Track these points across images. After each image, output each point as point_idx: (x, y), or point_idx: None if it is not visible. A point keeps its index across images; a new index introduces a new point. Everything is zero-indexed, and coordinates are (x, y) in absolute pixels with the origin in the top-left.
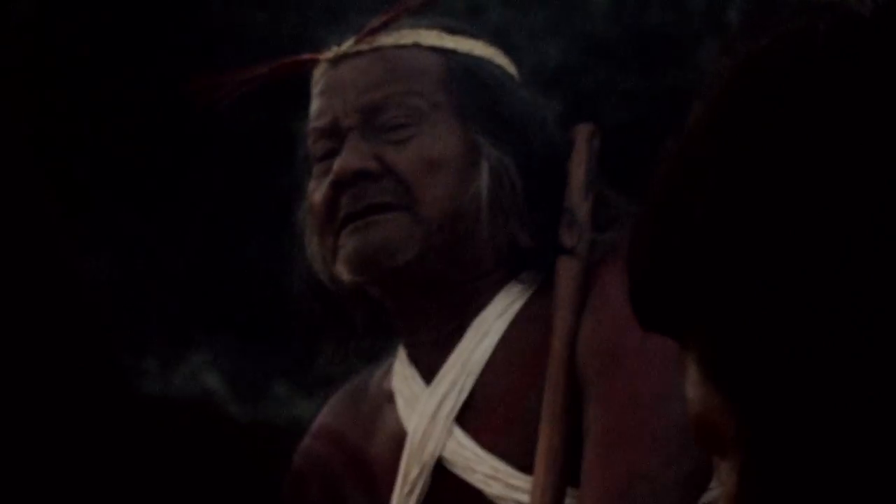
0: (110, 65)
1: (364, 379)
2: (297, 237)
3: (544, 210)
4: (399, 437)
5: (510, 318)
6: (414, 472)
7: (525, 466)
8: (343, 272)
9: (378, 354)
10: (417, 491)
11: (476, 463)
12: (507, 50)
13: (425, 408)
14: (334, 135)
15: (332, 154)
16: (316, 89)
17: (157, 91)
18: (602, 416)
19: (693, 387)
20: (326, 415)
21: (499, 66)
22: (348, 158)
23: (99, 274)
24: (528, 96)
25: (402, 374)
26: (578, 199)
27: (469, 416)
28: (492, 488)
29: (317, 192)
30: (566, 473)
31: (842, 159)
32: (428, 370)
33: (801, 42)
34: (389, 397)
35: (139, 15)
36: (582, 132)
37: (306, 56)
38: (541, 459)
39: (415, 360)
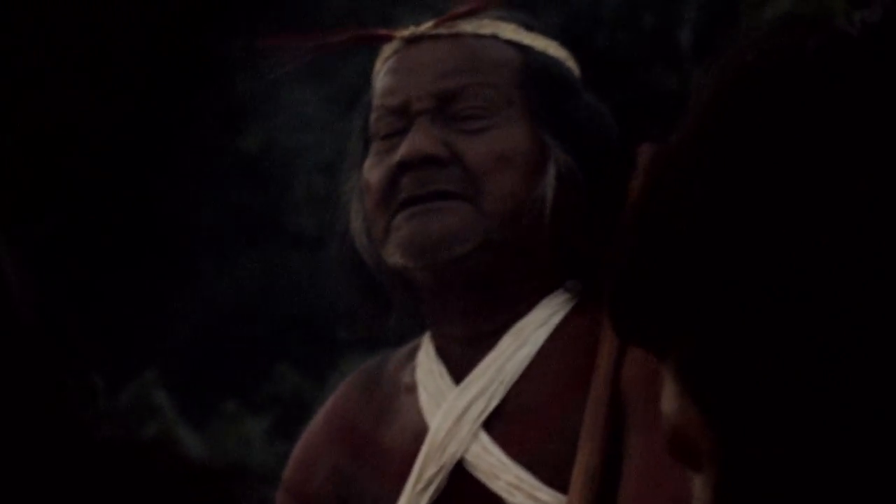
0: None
1: (377, 367)
2: (342, 208)
3: (604, 221)
4: (419, 431)
5: (551, 329)
6: (430, 471)
7: (551, 481)
8: (394, 255)
9: (398, 342)
10: (431, 490)
11: (501, 470)
12: None
13: (452, 408)
14: (403, 115)
15: (397, 133)
16: (386, 66)
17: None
18: (643, 444)
19: (669, 400)
20: (338, 398)
21: (570, 70)
22: (419, 141)
23: (43, 293)
24: (595, 103)
25: (427, 368)
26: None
27: (497, 424)
28: (515, 498)
29: (375, 169)
30: (601, 494)
31: (828, 178)
32: (458, 368)
33: (788, 59)
34: (410, 389)
35: None
36: (645, 152)
37: (383, 31)
38: (577, 476)
39: (444, 356)
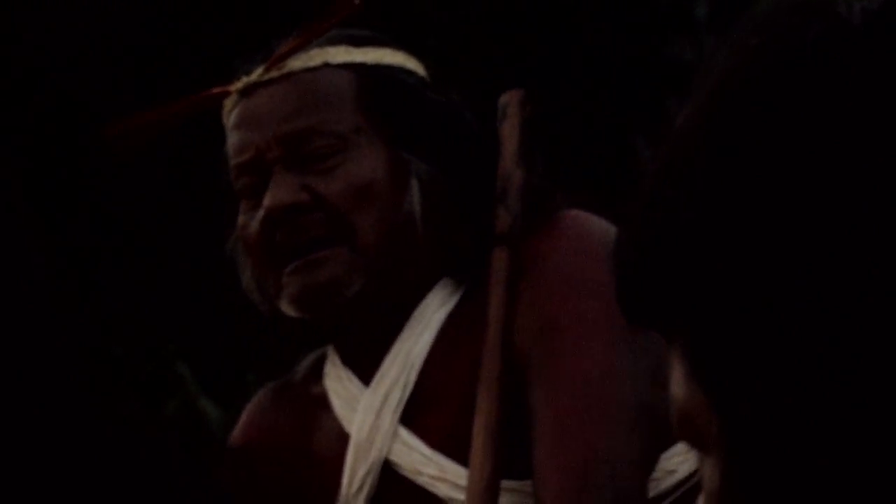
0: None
1: (282, 386)
2: (229, 266)
3: (480, 206)
4: (342, 439)
5: (448, 310)
6: (361, 471)
7: None
8: (289, 310)
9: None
10: (366, 489)
11: (423, 465)
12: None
13: (369, 405)
14: (259, 169)
15: (258, 189)
16: (230, 122)
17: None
18: (550, 398)
19: (677, 383)
20: (250, 421)
21: (410, 72)
22: (278, 193)
23: (64, 264)
24: (442, 98)
25: (335, 376)
26: (512, 167)
27: (415, 415)
28: (439, 490)
29: (248, 227)
30: (504, 449)
31: (829, 164)
32: (365, 370)
33: (789, 48)
34: (321, 400)
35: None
36: (513, 99)
37: (216, 89)
38: (478, 432)
39: (349, 362)
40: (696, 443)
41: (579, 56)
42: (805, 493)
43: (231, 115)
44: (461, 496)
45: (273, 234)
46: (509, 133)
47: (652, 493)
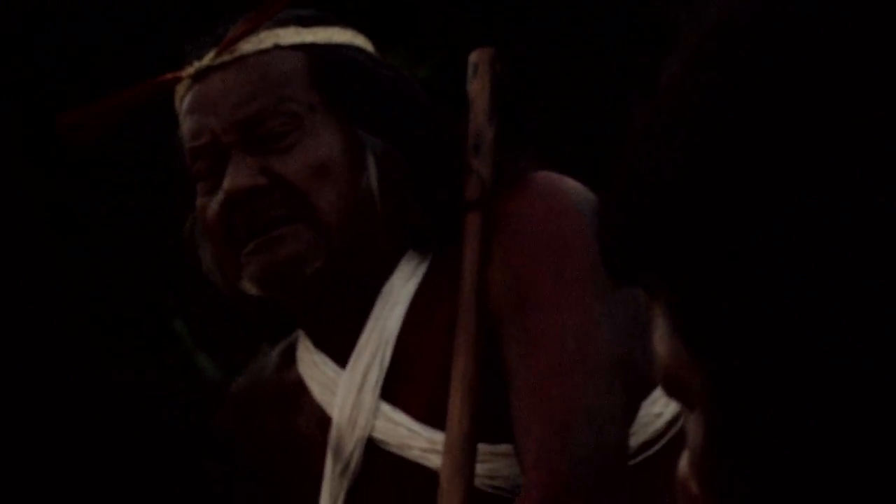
0: None
1: (256, 374)
2: (189, 250)
3: (439, 178)
4: (323, 423)
5: (418, 280)
6: (346, 450)
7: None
8: (251, 289)
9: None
10: (352, 468)
11: (411, 438)
12: None
13: (348, 386)
14: (215, 152)
15: (215, 171)
16: (183, 107)
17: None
18: (527, 355)
19: (660, 340)
20: (228, 414)
21: (359, 49)
22: (237, 177)
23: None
24: (391, 72)
25: (309, 361)
26: (483, 124)
27: (396, 389)
28: (431, 462)
29: (207, 209)
30: (481, 402)
31: (820, 117)
32: (340, 352)
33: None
34: (298, 386)
35: None
36: (483, 56)
37: (168, 75)
38: (455, 389)
39: (322, 346)
40: (681, 398)
41: (574, 12)
42: (787, 447)
43: (184, 100)
44: None
45: (233, 217)
46: (480, 91)
47: (642, 437)
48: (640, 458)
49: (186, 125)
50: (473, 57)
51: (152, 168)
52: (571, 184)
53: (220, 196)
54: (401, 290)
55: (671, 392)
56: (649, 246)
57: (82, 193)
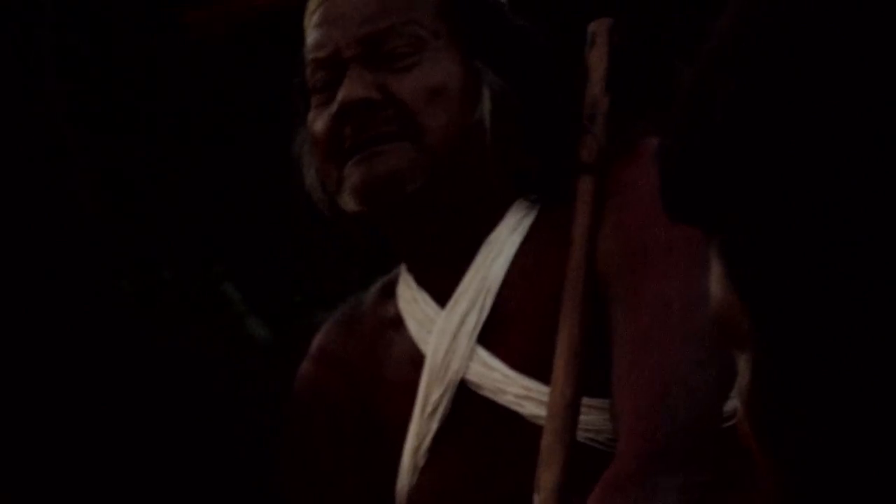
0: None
1: (353, 310)
2: (295, 166)
3: (551, 132)
4: (416, 360)
5: (524, 231)
6: (436, 394)
7: None
8: (349, 203)
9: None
10: (440, 412)
11: (506, 384)
12: None
13: (445, 327)
14: (335, 66)
15: (332, 85)
16: (312, 20)
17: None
18: (631, 318)
19: (716, 282)
20: (323, 341)
21: None
22: (352, 88)
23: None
24: (522, 24)
25: (409, 298)
26: (599, 94)
27: (493, 336)
28: (525, 408)
29: (318, 122)
30: (586, 368)
31: (873, 57)
32: (440, 292)
33: None
34: (395, 322)
35: None
36: (601, 27)
37: None
38: (561, 353)
39: (424, 284)
40: (734, 340)
41: None
42: (830, 389)
43: (314, 15)
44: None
45: (342, 128)
46: (597, 61)
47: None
48: (733, 421)
49: (311, 37)
50: (592, 27)
51: (206, 128)
52: None
53: (332, 107)
54: (506, 239)
55: (724, 334)
56: (703, 184)
57: (132, 155)
